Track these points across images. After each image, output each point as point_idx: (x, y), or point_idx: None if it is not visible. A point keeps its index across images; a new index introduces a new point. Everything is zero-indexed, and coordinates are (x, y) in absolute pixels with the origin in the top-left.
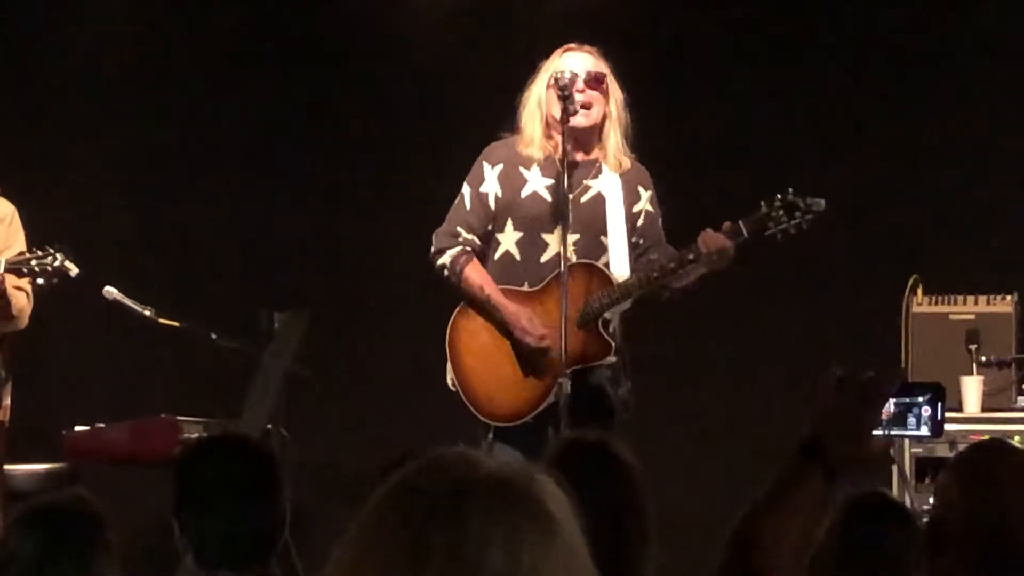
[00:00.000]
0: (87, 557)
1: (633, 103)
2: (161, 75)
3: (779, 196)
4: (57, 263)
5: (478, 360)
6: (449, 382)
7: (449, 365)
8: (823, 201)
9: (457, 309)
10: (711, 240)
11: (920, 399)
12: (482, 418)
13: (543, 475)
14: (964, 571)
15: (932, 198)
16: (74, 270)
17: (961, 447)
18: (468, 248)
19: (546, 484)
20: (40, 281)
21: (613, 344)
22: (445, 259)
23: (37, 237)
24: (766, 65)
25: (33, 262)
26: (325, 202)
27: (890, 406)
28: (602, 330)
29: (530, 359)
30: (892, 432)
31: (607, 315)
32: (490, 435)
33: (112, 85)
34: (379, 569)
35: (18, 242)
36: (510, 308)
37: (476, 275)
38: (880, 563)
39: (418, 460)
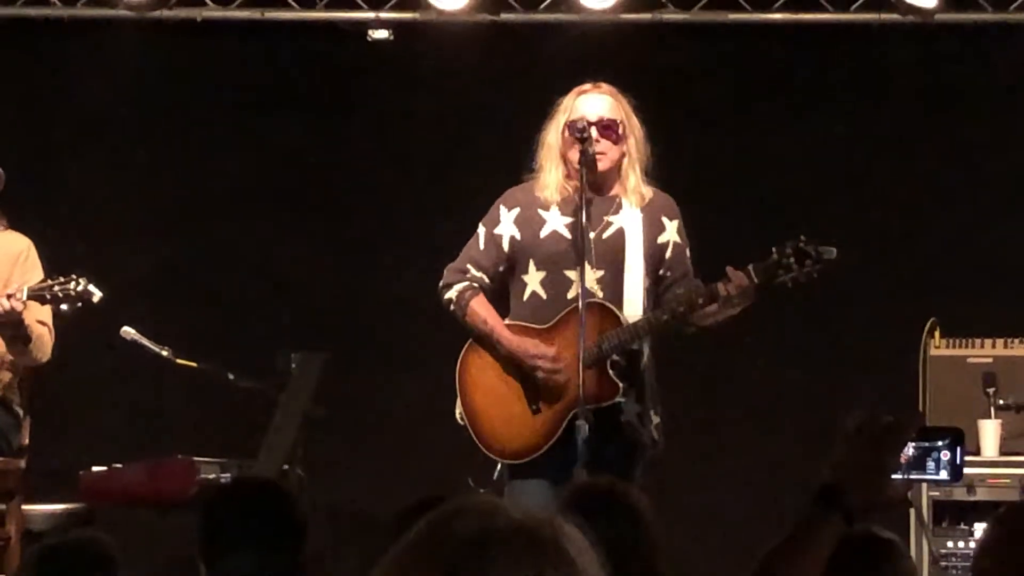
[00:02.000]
0: None
1: (644, 128)
2: (180, 117)
3: (790, 244)
4: (80, 288)
5: (486, 396)
6: (457, 416)
7: (458, 399)
8: (835, 250)
9: (467, 345)
10: (734, 282)
11: (939, 443)
12: (489, 454)
13: (569, 524)
14: None
15: (950, 240)
16: (97, 294)
17: (979, 491)
18: (475, 284)
19: (571, 533)
20: (64, 307)
21: (620, 385)
22: (452, 293)
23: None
24: (782, 107)
25: (56, 288)
26: (343, 243)
27: (909, 450)
28: (610, 370)
29: (537, 394)
30: (911, 476)
31: (615, 356)
32: (496, 470)
33: (131, 126)
34: None
35: (35, 277)
36: (514, 340)
37: (481, 309)
38: None
39: (444, 506)
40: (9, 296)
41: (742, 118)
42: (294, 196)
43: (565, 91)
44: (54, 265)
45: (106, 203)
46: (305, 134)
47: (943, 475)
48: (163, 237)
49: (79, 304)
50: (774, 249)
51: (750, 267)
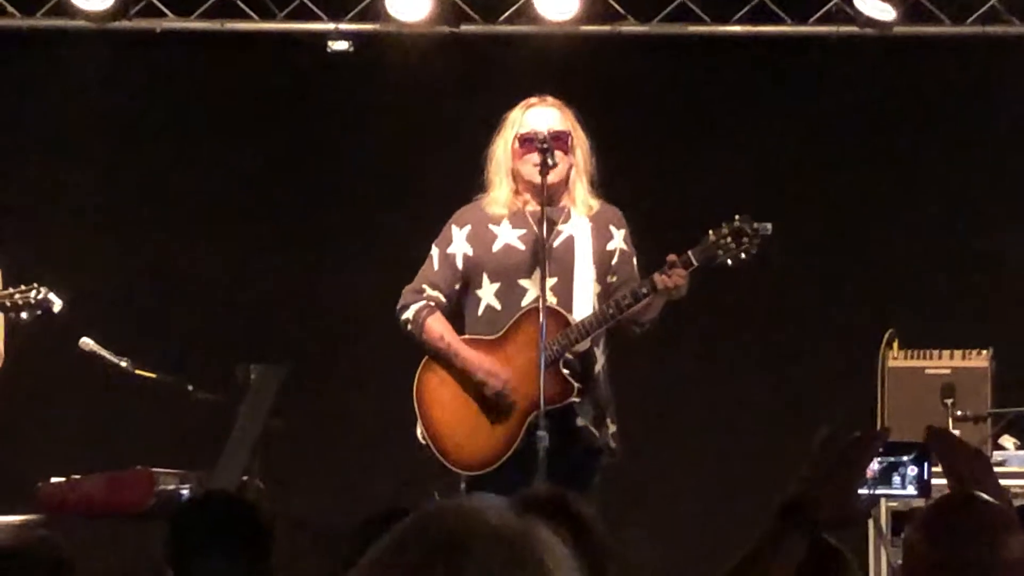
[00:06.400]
0: None
1: (604, 140)
2: (139, 128)
3: (725, 224)
4: (40, 296)
5: (445, 411)
6: (419, 436)
7: (419, 420)
8: (770, 225)
9: (422, 364)
10: (676, 269)
11: (905, 458)
12: (453, 468)
13: (545, 530)
14: None
15: (909, 252)
16: (58, 304)
17: None
18: (431, 303)
19: (549, 541)
20: (23, 315)
21: (575, 385)
22: (408, 314)
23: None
24: (741, 120)
25: (16, 296)
26: (303, 256)
27: (874, 465)
28: (563, 370)
29: (495, 405)
30: (877, 492)
31: (568, 356)
32: (463, 485)
33: (90, 137)
34: None
35: None
36: (471, 356)
37: (438, 326)
38: None
39: (424, 508)
40: None
41: (700, 130)
42: (255, 207)
43: (538, 90)
44: (13, 275)
45: (65, 214)
46: (265, 146)
47: (910, 490)
48: (123, 248)
49: (39, 312)
50: (710, 231)
51: (689, 252)
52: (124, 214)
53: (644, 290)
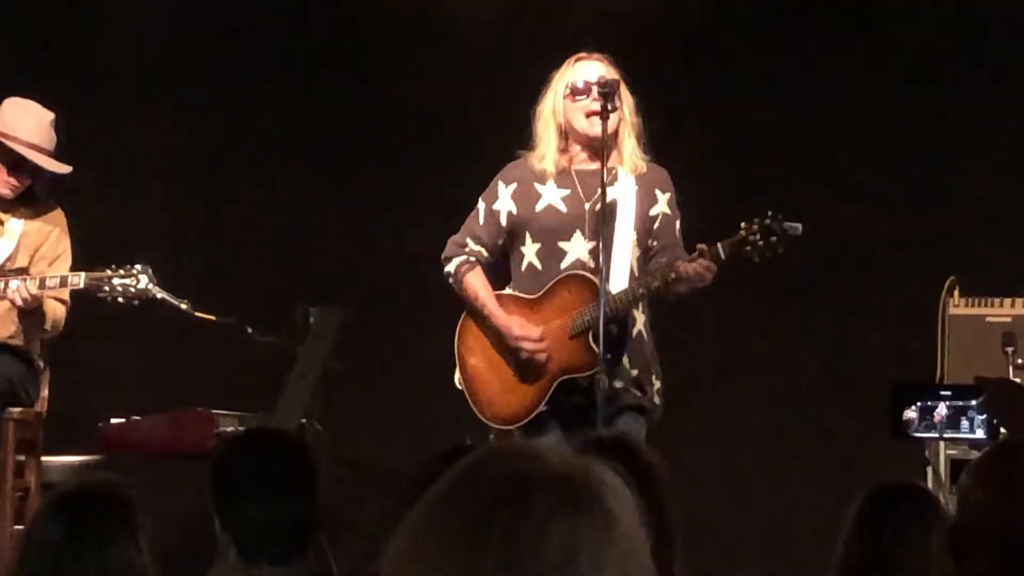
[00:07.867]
0: (109, 540)
1: (660, 104)
2: (200, 70)
3: (757, 220)
4: (141, 286)
5: (481, 362)
6: (456, 381)
7: (457, 366)
8: (800, 226)
9: (465, 312)
10: (702, 260)
11: (973, 402)
12: (483, 419)
13: (608, 473)
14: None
15: (969, 199)
16: (160, 293)
17: None
18: (472, 258)
19: (611, 482)
20: (120, 300)
21: (598, 356)
22: (450, 267)
23: (76, 230)
24: (801, 64)
25: (115, 280)
26: (362, 198)
27: (942, 409)
28: (592, 343)
29: (526, 365)
30: (946, 435)
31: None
32: (491, 436)
33: (150, 78)
34: (438, 550)
35: (64, 252)
36: (501, 318)
37: (475, 283)
38: (905, 548)
39: (480, 451)
40: (24, 277)
41: (755, 70)
42: (315, 150)
43: (586, 46)
44: (74, 219)
45: (125, 155)
46: (325, 88)
47: (979, 434)
48: (184, 189)
49: (136, 302)
50: (743, 224)
51: (719, 244)
52: (185, 155)
53: (672, 275)
